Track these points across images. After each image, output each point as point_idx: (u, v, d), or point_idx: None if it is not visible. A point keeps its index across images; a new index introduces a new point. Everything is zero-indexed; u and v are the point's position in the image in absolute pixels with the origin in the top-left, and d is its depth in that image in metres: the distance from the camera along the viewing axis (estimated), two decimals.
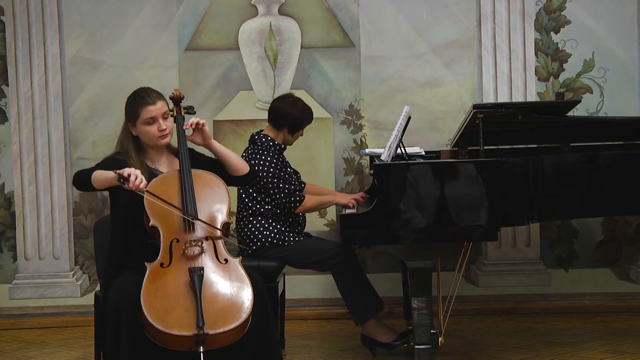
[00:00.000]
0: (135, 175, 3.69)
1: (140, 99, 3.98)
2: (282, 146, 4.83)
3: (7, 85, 5.67)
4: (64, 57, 5.67)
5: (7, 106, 5.68)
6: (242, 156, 4.78)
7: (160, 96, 4.00)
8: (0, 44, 5.65)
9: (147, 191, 3.75)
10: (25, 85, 5.65)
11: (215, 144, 4.09)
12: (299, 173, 5.00)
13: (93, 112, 5.68)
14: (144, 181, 3.73)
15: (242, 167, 4.14)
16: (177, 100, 4.10)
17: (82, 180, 3.92)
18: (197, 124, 4.01)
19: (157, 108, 3.95)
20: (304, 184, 4.98)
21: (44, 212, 5.68)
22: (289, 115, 4.80)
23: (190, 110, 4.17)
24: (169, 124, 3.99)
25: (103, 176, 3.82)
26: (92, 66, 5.67)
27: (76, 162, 5.66)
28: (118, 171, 3.71)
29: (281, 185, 4.67)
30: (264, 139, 4.78)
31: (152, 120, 3.95)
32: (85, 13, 5.65)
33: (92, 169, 3.91)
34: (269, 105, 4.91)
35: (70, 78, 5.67)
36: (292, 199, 4.68)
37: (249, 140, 4.85)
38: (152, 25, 5.67)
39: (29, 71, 5.65)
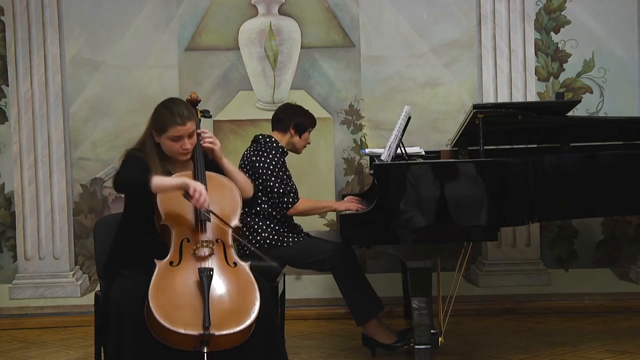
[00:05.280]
0: (199, 193, 3.70)
1: (171, 116, 3.90)
2: (285, 150, 4.83)
3: (7, 85, 5.67)
4: (64, 57, 5.67)
5: (7, 106, 5.68)
6: (245, 155, 4.79)
7: (191, 116, 3.94)
8: (0, 44, 5.65)
9: (211, 212, 3.77)
10: (25, 85, 5.65)
11: (226, 163, 4.09)
12: None
13: (93, 112, 5.68)
14: (207, 200, 3.73)
15: (247, 190, 4.14)
16: (193, 103, 4.10)
17: (134, 184, 3.82)
18: (210, 143, 4.01)
19: (186, 129, 3.91)
20: None
21: (44, 212, 5.68)
22: (292, 115, 4.81)
23: (207, 114, 4.18)
24: (193, 142, 3.96)
25: (167, 183, 3.77)
26: (92, 66, 5.67)
27: (76, 162, 5.66)
28: (182, 185, 3.72)
29: (277, 184, 4.66)
30: (268, 140, 4.78)
31: (178, 139, 3.92)
32: (85, 13, 5.66)
33: (138, 173, 3.82)
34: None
35: (70, 78, 5.67)
36: (286, 199, 4.67)
37: (252, 140, 4.84)
38: (152, 25, 5.67)
39: (29, 71, 5.65)
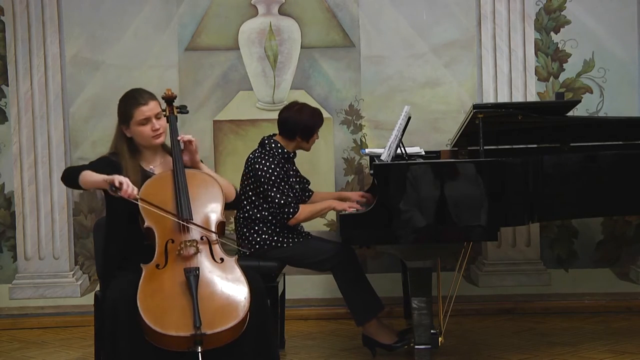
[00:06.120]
0: (127, 184, 3.72)
1: (132, 100, 3.99)
2: (291, 155, 4.80)
3: (7, 85, 5.67)
4: (64, 57, 5.67)
5: (7, 106, 5.68)
6: (249, 157, 4.77)
7: (152, 96, 4.02)
8: (0, 44, 5.65)
9: (140, 199, 3.77)
10: (25, 85, 5.65)
11: (203, 167, 4.09)
12: (309, 182, 4.98)
13: (93, 112, 5.68)
14: (135, 189, 3.76)
15: (228, 195, 4.08)
16: (169, 100, 4.11)
17: (70, 177, 3.92)
18: (188, 141, 4.01)
19: (150, 108, 3.97)
20: (312, 192, 4.97)
21: (44, 212, 5.68)
22: (298, 123, 4.74)
23: (183, 110, 4.18)
24: (162, 124, 4.01)
25: (92, 178, 3.83)
26: (92, 66, 5.67)
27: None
28: (108, 179, 3.74)
29: (278, 195, 4.64)
30: (273, 145, 4.75)
31: (146, 121, 3.97)
32: (85, 13, 5.65)
33: (82, 168, 3.92)
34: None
35: (70, 78, 5.67)
36: (286, 210, 4.65)
37: (259, 143, 4.82)
38: (152, 25, 5.67)
39: (29, 71, 5.65)
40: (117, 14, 5.65)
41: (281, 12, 5.67)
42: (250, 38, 5.68)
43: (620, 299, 5.66)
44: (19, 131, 5.67)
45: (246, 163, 4.79)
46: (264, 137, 4.82)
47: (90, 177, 3.83)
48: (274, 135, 4.82)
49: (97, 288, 4.16)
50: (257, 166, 4.68)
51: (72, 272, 5.72)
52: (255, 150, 4.81)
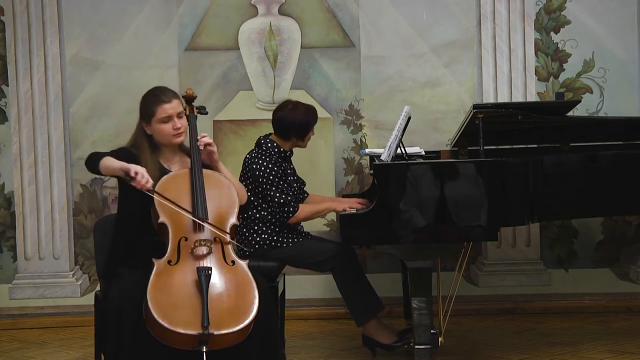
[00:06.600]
0: (142, 175, 3.73)
1: (155, 97, 3.99)
2: (288, 153, 4.80)
3: (7, 85, 5.67)
4: (64, 57, 5.67)
5: (7, 106, 5.68)
6: (246, 158, 4.78)
7: (175, 95, 4.02)
8: (0, 44, 5.65)
9: (156, 192, 3.77)
10: (25, 85, 5.65)
11: (222, 168, 4.10)
12: (304, 182, 4.97)
13: (93, 112, 5.68)
14: (150, 181, 3.76)
15: (241, 197, 4.09)
16: (189, 99, 4.12)
17: (93, 162, 3.91)
18: (207, 144, 4.02)
19: (173, 106, 3.97)
20: (307, 194, 4.96)
21: (44, 212, 5.68)
22: (293, 122, 4.72)
23: (203, 111, 4.20)
24: (183, 123, 4.01)
25: (112, 164, 3.83)
26: (92, 66, 5.67)
27: (76, 162, 5.66)
28: (124, 167, 3.75)
29: (278, 194, 4.64)
30: (269, 144, 4.74)
31: (168, 119, 3.96)
32: (85, 13, 5.65)
33: (105, 154, 3.91)
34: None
35: (70, 78, 5.67)
36: (286, 209, 4.64)
37: (255, 144, 4.82)
38: (152, 25, 5.67)
39: (29, 71, 5.65)
40: (117, 14, 5.65)
41: (281, 12, 5.68)
42: (250, 38, 5.68)
43: (620, 299, 5.66)
44: (19, 131, 5.67)
45: (244, 164, 4.79)
46: (260, 137, 4.82)
47: (110, 163, 3.84)
48: (270, 134, 4.82)
49: (97, 288, 4.16)
50: (255, 166, 4.68)
51: (72, 272, 5.72)
52: (252, 151, 4.81)
